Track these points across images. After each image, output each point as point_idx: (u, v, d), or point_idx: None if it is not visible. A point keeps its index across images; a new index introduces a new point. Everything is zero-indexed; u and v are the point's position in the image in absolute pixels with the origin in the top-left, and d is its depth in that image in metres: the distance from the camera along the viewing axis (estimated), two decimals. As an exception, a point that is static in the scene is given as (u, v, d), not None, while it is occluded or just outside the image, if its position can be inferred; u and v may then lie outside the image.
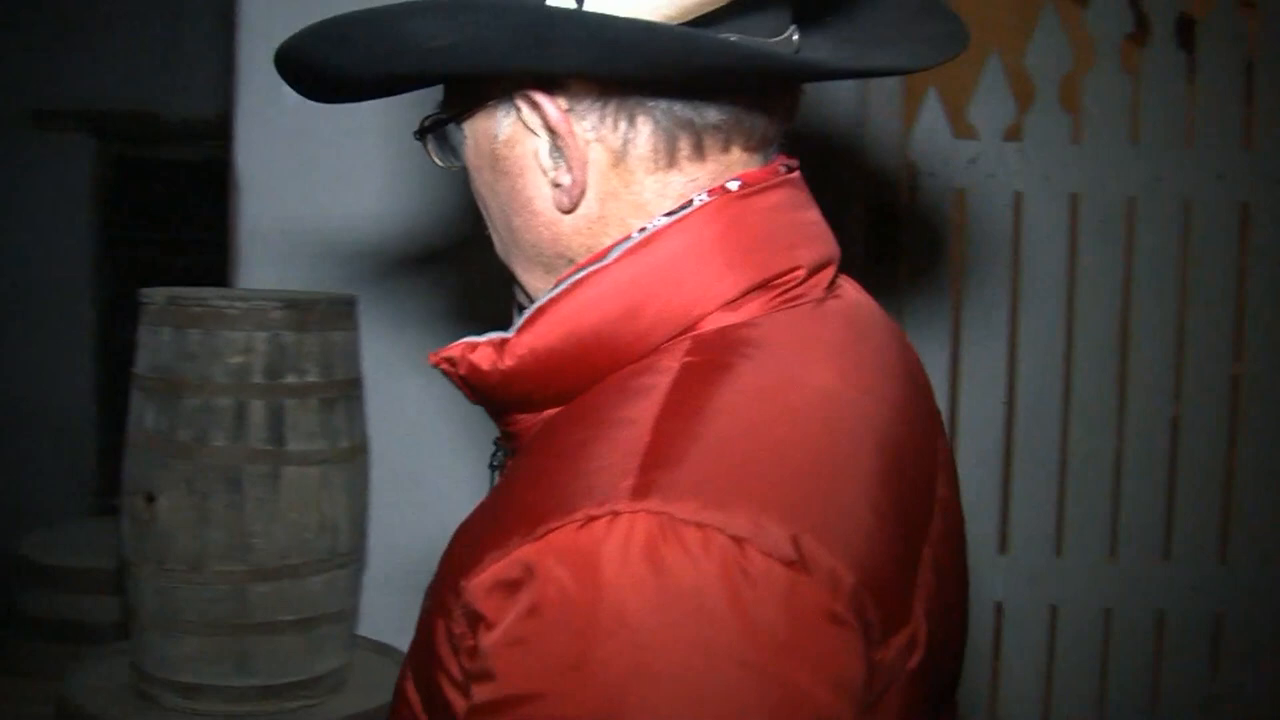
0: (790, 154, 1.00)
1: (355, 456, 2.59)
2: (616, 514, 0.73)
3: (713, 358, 0.85)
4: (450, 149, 0.99)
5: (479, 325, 2.80)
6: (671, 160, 0.90)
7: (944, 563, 0.93)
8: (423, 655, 0.86)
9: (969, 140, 3.15)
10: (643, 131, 0.89)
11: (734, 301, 0.88)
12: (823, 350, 0.89)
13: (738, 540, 0.72)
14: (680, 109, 0.89)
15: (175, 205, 7.22)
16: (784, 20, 0.92)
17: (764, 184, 0.93)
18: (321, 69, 0.95)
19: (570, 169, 0.89)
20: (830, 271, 0.96)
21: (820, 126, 2.95)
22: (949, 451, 1.05)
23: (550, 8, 0.83)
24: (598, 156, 0.90)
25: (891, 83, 3.04)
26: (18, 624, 3.64)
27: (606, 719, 0.69)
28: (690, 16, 0.84)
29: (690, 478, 0.74)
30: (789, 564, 0.72)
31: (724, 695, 0.69)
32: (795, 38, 0.94)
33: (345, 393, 2.56)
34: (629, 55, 0.82)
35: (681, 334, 0.88)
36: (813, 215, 0.97)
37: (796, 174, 0.98)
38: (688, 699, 0.69)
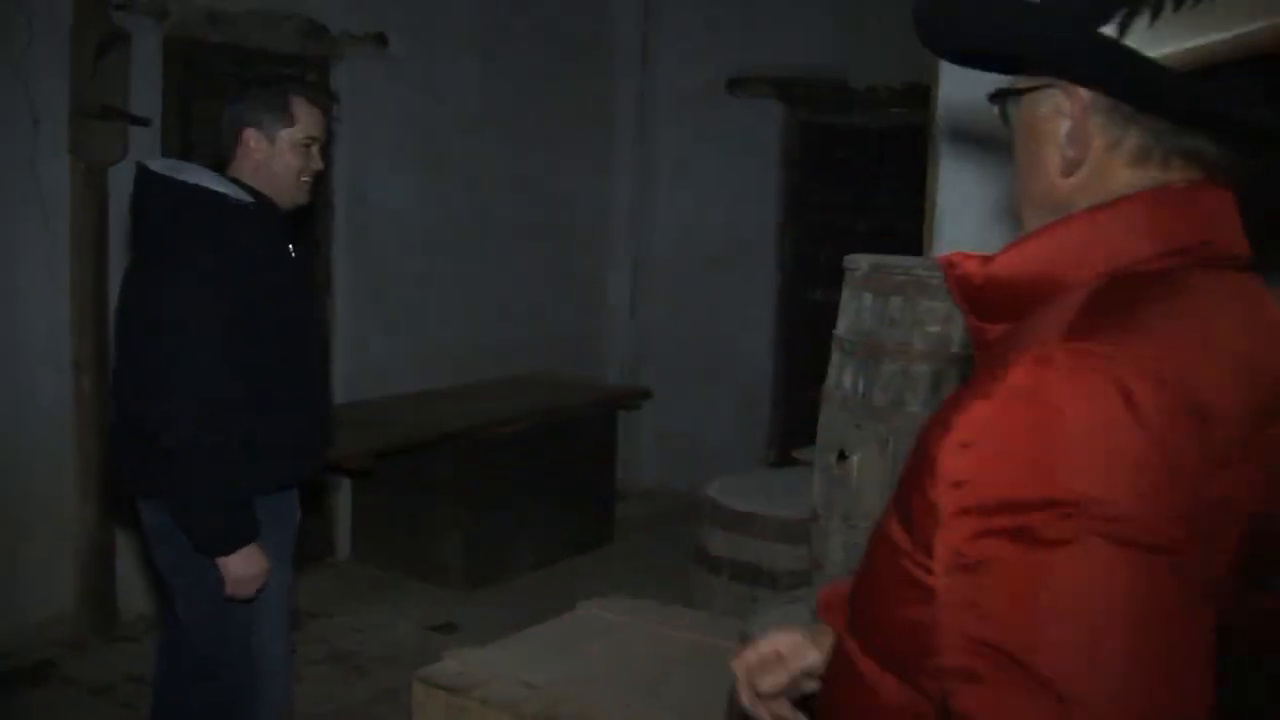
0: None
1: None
2: (1049, 353, 1.08)
3: (1123, 283, 1.17)
4: (1005, 114, 1.34)
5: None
6: (1141, 160, 1.22)
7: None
8: (904, 502, 1.22)
9: None
10: (1131, 136, 1.22)
11: (1148, 259, 1.19)
12: (1210, 293, 1.18)
13: (1114, 361, 1.06)
14: (1162, 129, 1.21)
15: (861, 170, 7.48)
16: None
17: (1194, 191, 1.22)
18: (943, 33, 1.33)
19: (1076, 148, 1.24)
20: (1234, 260, 1.23)
21: None
22: None
23: (1102, 36, 1.18)
24: (1096, 144, 1.23)
25: None
26: (704, 561, 3.88)
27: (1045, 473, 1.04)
28: (1186, 68, 1.15)
29: (1092, 332, 1.10)
30: (1158, 382, 1.05)
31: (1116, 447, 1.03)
32: None
33: (1040, 367, 2.55)
34: (1144, 88, 1.18)
35: (1102, 274, 1.19)
36: (1230, 219, 1.25)
37: (1225, 191, 1.24)
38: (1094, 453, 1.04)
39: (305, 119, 3.23)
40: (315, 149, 3.26)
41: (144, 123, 5.10)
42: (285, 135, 3.20)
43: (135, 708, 4.50)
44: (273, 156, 3.20)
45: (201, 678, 3.27)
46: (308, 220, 5.43)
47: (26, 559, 5.05)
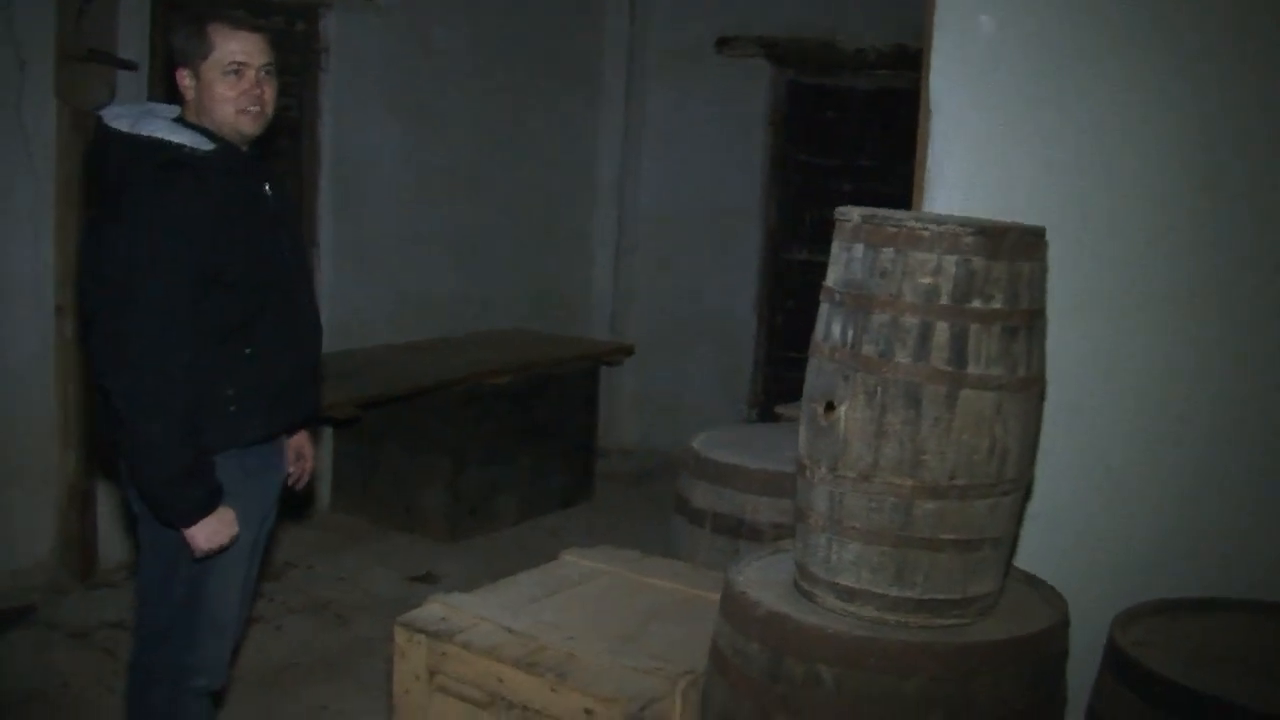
0: None
1: (1031, 386, 2.60)
2: None
3: None
4: None
5: (1168, 261, 2.73)
6: None
7: None
8: None
9: None
10: None
11: None
12: None
13: None
14: None
15: (847, 132, 7.46)
16: None
17: None
18: None
19: None
20: None
21: None
22: None
23: None
24: None
25: None
26: (686, 513, 3.91)
27: None
28: None
29: None
30: None
31: None
32: None
33: (1028, 323, 2.57)
34: None
35: None
36: None
37: None
38: None
39: (224, 43, 3.03)
40: (252, 74, 3.06)
41: (131, 66, 5.07)
42: (206, 65, 3.03)
43: (113, 652, 4.53)
44: (202, 90, 3.05)
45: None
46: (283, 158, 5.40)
47: (7, 505, 5.06)
